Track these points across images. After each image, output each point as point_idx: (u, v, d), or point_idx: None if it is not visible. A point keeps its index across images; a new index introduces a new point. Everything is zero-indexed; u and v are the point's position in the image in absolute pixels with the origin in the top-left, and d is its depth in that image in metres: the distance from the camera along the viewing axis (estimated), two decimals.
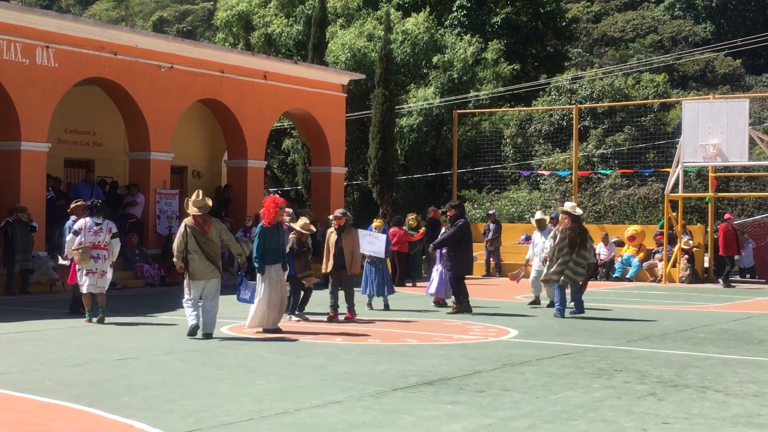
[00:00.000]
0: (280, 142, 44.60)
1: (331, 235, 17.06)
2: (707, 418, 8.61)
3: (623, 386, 10.17)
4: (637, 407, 9.07)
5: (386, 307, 18.68)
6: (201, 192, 14.70)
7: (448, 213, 18.45)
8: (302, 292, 16.71)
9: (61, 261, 16.13)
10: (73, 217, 16.38)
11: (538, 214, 20.20)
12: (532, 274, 19.63)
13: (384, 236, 18.98)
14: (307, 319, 16.49)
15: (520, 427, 8.17)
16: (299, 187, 40.46)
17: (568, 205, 17.96)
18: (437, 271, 19.05)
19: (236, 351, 12.64)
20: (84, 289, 15.84)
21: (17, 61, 22.12)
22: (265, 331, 14.68)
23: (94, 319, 15.79)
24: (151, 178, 25.43)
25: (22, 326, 15.32)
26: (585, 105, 37.82)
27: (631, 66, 49.51)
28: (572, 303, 17.42)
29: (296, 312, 16.61)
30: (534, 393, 9.72)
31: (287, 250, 15.54)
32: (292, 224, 16.39)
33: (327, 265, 16.92)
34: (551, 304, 18.21)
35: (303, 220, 16.82)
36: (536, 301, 19.37)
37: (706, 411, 8.95)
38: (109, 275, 16.14)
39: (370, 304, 18.83)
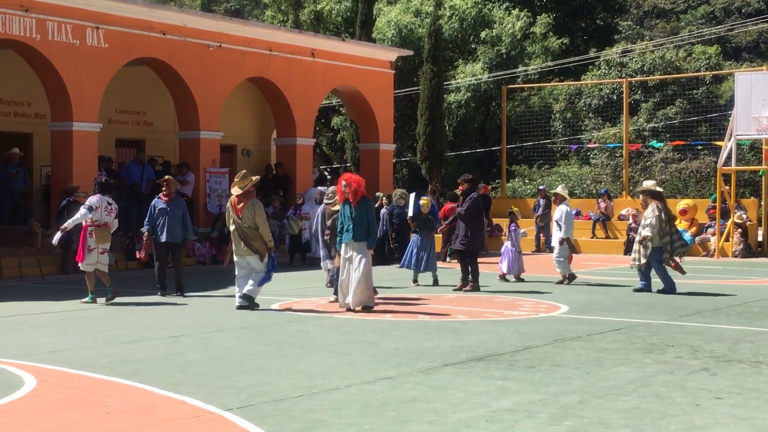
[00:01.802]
0: (328, 120, 44.65)
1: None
2: (761, 393, 8.53)
3: (675, 361, 10.10)
4: (690, 382, 9.00)
5: (435, 282, 18.68)
6: (243, 172, 14.88)
7: (460, 187, 18.38)
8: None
9: (56, 237, 15.79)
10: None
11: (560, 188, 19.90)
12: (555, 253, 19.11)
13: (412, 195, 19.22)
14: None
15: (571, 402, 8.14)
16: (348, 165, 40.49)
17: (649, 184, 17.87)
18: (507, 247, 19.39)
19: (287, 328, 12.71)
20: (92, 267, 15.52)
21: (68, 43, 22.33)
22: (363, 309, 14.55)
23: (100, 299, 15.61)
24: (201, 157, 25.60)
25: (76, 305, 15.52)
26: (635, 78, 37.41)
27: (682, 38, 48.91)
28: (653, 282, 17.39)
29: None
30: (585, 368, 9.68)
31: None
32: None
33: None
34: (563, 281, 18.59)
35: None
36: (571, 277, 18.96)
37: (760, 386, 8.85)
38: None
39: (416, 280, 18.83)
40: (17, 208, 23.50)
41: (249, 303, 14.53)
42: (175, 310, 14.87)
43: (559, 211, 18.70)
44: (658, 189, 17.86)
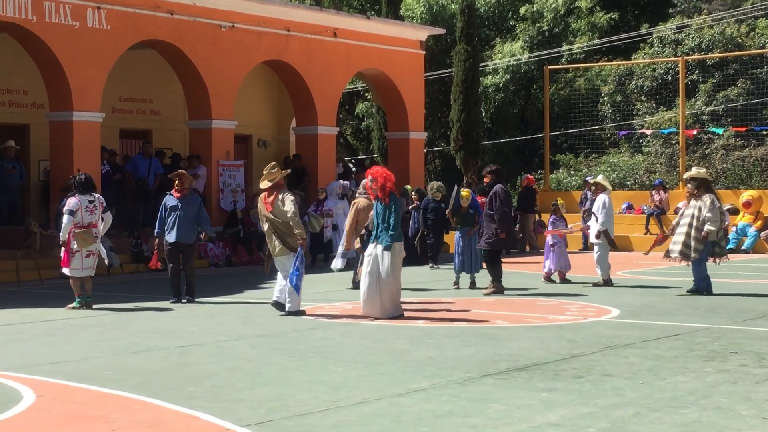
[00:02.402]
0: (353, 107, 44.74)
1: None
2: None
3: (739, 370, 10.05)
4: (756, 393, 8.95)
5: (472, 285, 18.67)
6: (271, 164, 14.99)
7: (484, 180, 18.36)
8: None
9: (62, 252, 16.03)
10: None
11: (601, 177, 19.85)
12: (596, 253, 19.07)
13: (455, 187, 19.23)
14: None
15: (623, 416, 8.12)
16: (375, 156, 40.53)
17: (701, 171, 17.81)
18: (551, 244, 19.50)
19: (309, 336, 12.75)
20: (80, 273, 15.78)
21: (67, 25, 22.48)
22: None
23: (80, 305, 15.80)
24: (213, 149, 25.71)
25: (79, 311, 15.62)
26: (692, 57, 37.19)
27: (745, 11, 48.57)
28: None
29: None
30: (639, 378, 9.66)
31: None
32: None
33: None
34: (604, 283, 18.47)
35: None
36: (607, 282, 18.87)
37: None
38: (103, 252, 16.37)
39: (457, 283, 18.83)
40: (13, 206, 23.65)
41: (294, 314, 14.61)
42: (187, 317, 14.94)
43: (598, 202, 18.71)
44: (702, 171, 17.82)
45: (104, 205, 16.17)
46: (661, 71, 39.40)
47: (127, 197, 24.87)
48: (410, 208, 24.84)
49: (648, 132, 36.81)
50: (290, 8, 28.15)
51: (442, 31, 34.18)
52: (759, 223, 28.01)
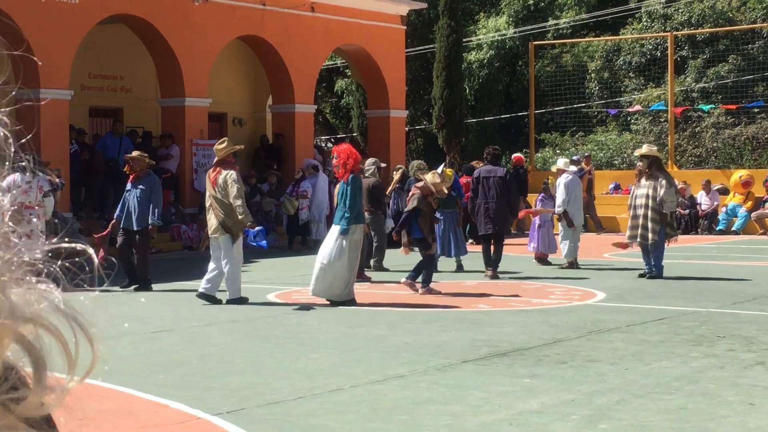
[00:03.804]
0: (332, 84, 44.65)
1: None
2: None
3: (727, 355, 10.09)
4: (743, 378, 8.99)
5: (459, 269, 18.69)
6: (223, 139, 14.99)
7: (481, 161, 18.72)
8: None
9: None
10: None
11: (561, 162, 19.94)
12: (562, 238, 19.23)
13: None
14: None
15: (607, 402, 8.14)
16: (354, 134, 40.49)
17: (653, 149, 17.81)
18: (538, 225, 19.56)
19: (285, 322, 12.74)
20: None
21: None
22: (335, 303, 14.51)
23: None
24: (187, 128, 25.62)
25: None
26: (682, 32, 37.23)
27: None
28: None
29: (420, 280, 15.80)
30: (624, 364, 9.69)
31: (411, 209, 15.52)
32: (422, 176, 16.30)
33: None
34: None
35: (436, 177, 16.43)
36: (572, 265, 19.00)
37: None
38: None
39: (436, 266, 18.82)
40: None
41: (236, 302, 14.40)
42: (159, 302, 14.90)
43: (557, 184, 18.91)
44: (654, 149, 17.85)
45: (45, 188, 16.07)
46: (650, 47, 39.44)
47: (97, 178, 24.77)
48: (389, 190, 24.77)
49: (635, 109, 36.82)
50: None
51: (424, 5, 34.11)
52: (749, 203, 28.10)
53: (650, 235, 16.76)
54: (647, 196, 16.79)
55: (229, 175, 14.45)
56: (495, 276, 17.49)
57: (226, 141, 14.85)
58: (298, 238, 24.33)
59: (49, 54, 22.61)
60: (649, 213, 16.76)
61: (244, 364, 9.93)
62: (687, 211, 28.19)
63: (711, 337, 11.16)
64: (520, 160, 28.23)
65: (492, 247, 17.79)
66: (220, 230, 14.36)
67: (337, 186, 14.92)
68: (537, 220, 19.79)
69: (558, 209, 18.86)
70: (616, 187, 32.00)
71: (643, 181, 16.96)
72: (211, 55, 26.24)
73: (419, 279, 15.47)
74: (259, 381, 9.12)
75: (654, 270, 16.87)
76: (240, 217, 14.28)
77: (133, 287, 16.25)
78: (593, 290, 15.50)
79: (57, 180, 21.54)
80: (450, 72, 33.90)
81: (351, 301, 14.33)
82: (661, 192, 16.66)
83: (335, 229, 14.56)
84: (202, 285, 14.47)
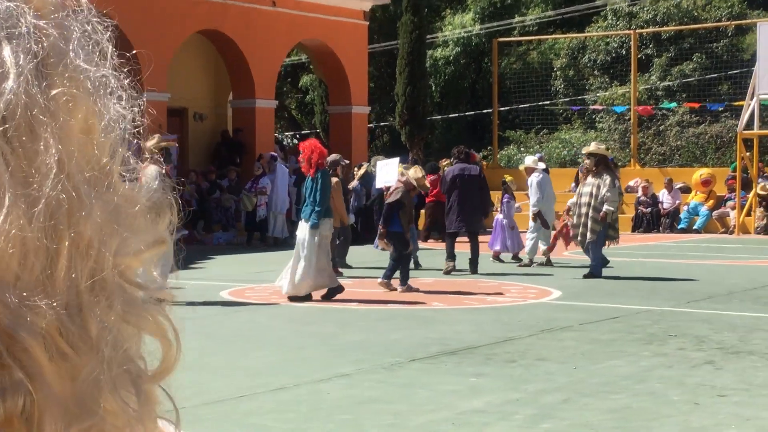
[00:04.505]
0: (297, 79, 44.48)
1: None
2: None
3: (677, 354, 10.06)
4: (691, 377, 8.95)
5: (416, 266, 18.62)
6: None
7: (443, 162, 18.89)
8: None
9: None
10: None
11: (529, 160, 19.96)
12: (529, 234, 19.28)
13: (396, 159, 18.95)
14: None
15: (552, 401, 8.09)
16: (318, 131, 40.36)
17: (601, 147, 17.77)
18: (499, 222, 19.61)
19: (234, 318, 12.63)
20: None
21: None
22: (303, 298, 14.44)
23: None
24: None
25: None
26: (645, 30, 37.30)
27: None
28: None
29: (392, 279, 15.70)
30: (573, 362, 9.64)
31: (394, 201, 15.48)
32: (405, 172, 16.25)
33: None
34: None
35: (418, 172, 16.42)
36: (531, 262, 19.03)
37: None
38: None
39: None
40: None
41: None
42: None
43: (528, 183, 18.92)
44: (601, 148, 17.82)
45: None
46: (615, 45, 39.51)
47: None
48: (350, 186, 24.70)
49: (597, 107, 36.89)
50: None
51: (387, 0, 33.97)
52: (711, 202, 28.18)
53: (588, 234, 16.63)
54: (590, 194, 16.68)
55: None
56: (474, 272, 17.60)
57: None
58: (257, 235, 24.21)
59: None
60: (591, 212, 16.65)
61: (188, 362, 9.58)
62: (649, 209, 28.24)
63: (663, 336, 11.13)
64: (473, 158, 28.02)
65: (470, 245, 17.93)
66: None
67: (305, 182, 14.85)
68: (500, 217, 19.76)
69: (533, 209, 18.77)
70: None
71: (589, 179, 16.87)
72: (170, 48, 26.02)
73: (395, 276, 15.42)
74: (201, 379, 8.99)
75: (594, 269, 16.76)
76: None
77: None
78: (549, 288, 15.46)
79: None
80: (413, 68, 33.80)
81: (337, 289, 14.34)
82: (603, 190, 16.57)
83: (304, 226, 14.45)
84: None
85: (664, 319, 12.28)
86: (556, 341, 10.84)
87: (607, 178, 16.64)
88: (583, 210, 16.68)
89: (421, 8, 34.67)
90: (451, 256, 17.89)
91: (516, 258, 19.54)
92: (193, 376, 9.11)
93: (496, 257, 19.61)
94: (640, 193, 28.57)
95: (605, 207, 16.49)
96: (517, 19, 41.81)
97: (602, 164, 16.93)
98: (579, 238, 16.81)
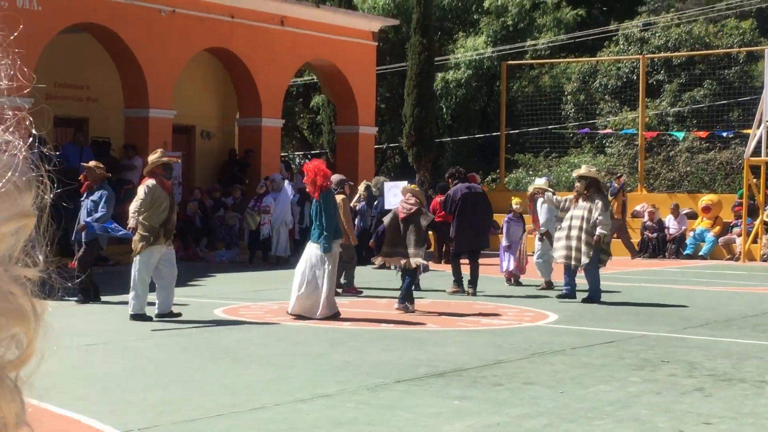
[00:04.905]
0: (309, 99, 44.46)
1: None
2: (758, 418, 8.34)
3: (667, 380, 9.91)
4: (678, 404, 8.81)
5: (416, 287, 18.47)
6: (158, 150, 14.80)
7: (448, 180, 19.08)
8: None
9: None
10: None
11: (541, 181, 19.81)
12: (536, 254, 19.17)
13: (404, 182, 18.93)
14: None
15: (534, 426, 7.95)
16: (324, 151, 40.30)
17: (592, 170, 17.63)
18: (506, 246, 19.44)
19: (226, 337, 12.51)
20: None
21: None
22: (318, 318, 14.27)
23: None
24: (150, 139, 25.32)
25: None
26: (654, 55, 37.18)
27: (719, 10, 48.69)
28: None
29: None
30: (560, 387, 9.50)
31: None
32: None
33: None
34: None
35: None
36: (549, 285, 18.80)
37: (759, 409, 8.67)
38: None
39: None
40: None
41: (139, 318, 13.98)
42: (102, 313, 14.67)
43: (537, 205, 18.76)
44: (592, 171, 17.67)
45: None
46: (626, 70, 39.36)
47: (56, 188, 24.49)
48: (355, 206, 24.60)
49: (606, 131, 36.73)
50: None
51: (396, 22, 34.01)
52: (717, 228, 27.97)
53: (583, 258, 16.42)
54: (582, 218, 16.50)
55: (141, 186, 14.33)
56: (474, 293, 17.52)
57: (159, 152, 14.60)
58: (259, 253, 24.09)
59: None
60: (583, 236, 16.44)
61: (172, 379, 9.71)
62: (655, 234, 28.06)
63: (655, 361, 10.97)
64: (474, 179, 27.81)
65: (470, 264, 17.86)
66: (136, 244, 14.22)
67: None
68: (504, 241, 19.62)
69: (542, 229, 18.65)
70: None
71: (581, 202, 16.69)
72: (176, 66, 26.02)
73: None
74: (182, 396, 8.90)
75: (593, 293, 16.58)
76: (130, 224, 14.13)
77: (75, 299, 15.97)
78: (546, 311, 15.30)
79: None
80: (421, 90, 33.70)
81: (335, 316, 14.25)
82: (596, 214, 16.40)
83: (312, 248, 14.39)
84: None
85: (659, 345, 12.12)
86: (547, 365, 10.69)
87: (599, 202, 16.47)
88: (574, 233, 16.49)
89: (430, 30, 34.60)
90: (459, 279, 17.80)
91: (510, 279, 19.41)
92: (174, 393, 9.03)
93: (509, 279, 19.47)
94: (646, 218, 28.38)
95: (598, 230, 16.30)
96: (529, 42, 41.72)
97: (593, 187, 16.77)
98: (572, 262, 16.59)
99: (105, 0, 24.10)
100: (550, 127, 38.86)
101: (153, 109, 25.46)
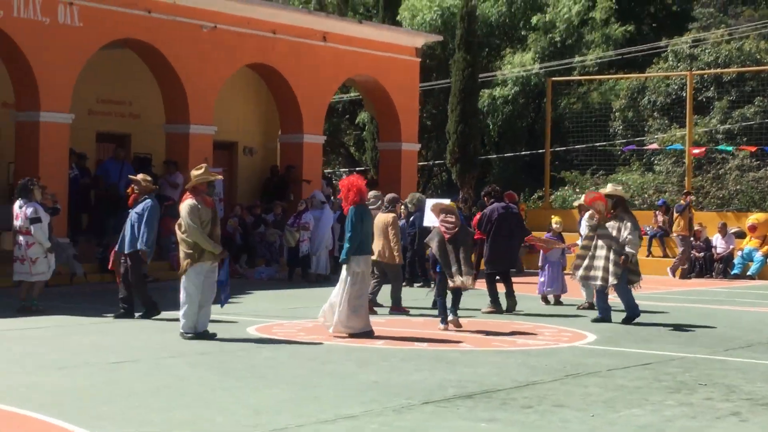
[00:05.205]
0: (355, 116, 44.43)
1: None
2: None
3: (703, 403, 9.67)
4: (712, 429, 8.60)
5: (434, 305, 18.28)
6: (202, 166, 14.61)
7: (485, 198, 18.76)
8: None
9: None
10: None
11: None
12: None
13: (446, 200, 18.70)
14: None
15: None
16: (367, 167, 40.20)
17: (618, 189, 17.22)
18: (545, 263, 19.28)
19: (255, 355, 12.38)
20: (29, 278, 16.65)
21: (36, 20, 22.20)
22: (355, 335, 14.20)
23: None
24: (191, 155, 25.32)
25: (24, 322, 15.30)
26: (701, 71, 36.79)
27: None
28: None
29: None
30: (592, 410, 9.30)
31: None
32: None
33: None
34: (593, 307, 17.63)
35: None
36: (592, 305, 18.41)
37: None
38: (44, 264, 16.63)
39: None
40: None
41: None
42: (134, 331, 14.59)
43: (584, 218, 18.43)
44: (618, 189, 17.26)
45: (29, 215, 16.45)
46: (675, 87, 38.98)
47: (98, 203, 24.61)
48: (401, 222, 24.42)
49: (653, 147, 36.30)
50: (277, 10, 27.80)
51: (439, 38, 33.81)
52: (766, 248, 27.51)
53: (611, 278, 16.06)
54: (610, 237, 16.20)
55: (184, 204, 14.10)
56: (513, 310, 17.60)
57: (203, 168, 14.45)
58: (298, 271, 23.98)
59: (50, 76, 22.52)
60: (612, 255, 16.15)
61: (195, 398, 9.60)
62: (702, 254, 27.66)
63: (692, 384, 10.73)
64: (512, 198, 27.53)
65: (504, 284, 17.79)
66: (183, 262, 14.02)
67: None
68: (541, 260, 19.41)
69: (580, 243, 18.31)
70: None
71: (609, 222, 16.32)
72: (218, 82, 26.04)
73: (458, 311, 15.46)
74: (204, 415, 8.79)
75: (632, 311, 16.24)
76: (205, 247, 13.86)
77: (137, 315, 16.00)
78: (585, 332, 15.06)
79: (52, 205, 21.37)
80: (465, 106, 33.53)
81: (368, 334, 14.15)
82: (625, 233, 16.07)
83: (368, 260, 14.70)
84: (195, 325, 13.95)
85: (697, 367, 11.86)
86: (581, 387, 10.48)
87: (628, 222, 16.14)
88: (602, 252, 16.17)
89: (474, 46, 34.44)
90: (495, 299, 17.60)
91: (545, 299, 19.20)
92: (196, 412, 8.93)
93: (544, 299, 19.24)
94: (693, 237, 27.99)
95: (627, 249, 15.98)
96: (577, 59, 41.43)
97: (620, 206, 16.47)
98: (600, 283, 16.23)
99: (146, 16, 24.17)
100: (597, 144, 38.56)
101: (194, 125, 25.48)
